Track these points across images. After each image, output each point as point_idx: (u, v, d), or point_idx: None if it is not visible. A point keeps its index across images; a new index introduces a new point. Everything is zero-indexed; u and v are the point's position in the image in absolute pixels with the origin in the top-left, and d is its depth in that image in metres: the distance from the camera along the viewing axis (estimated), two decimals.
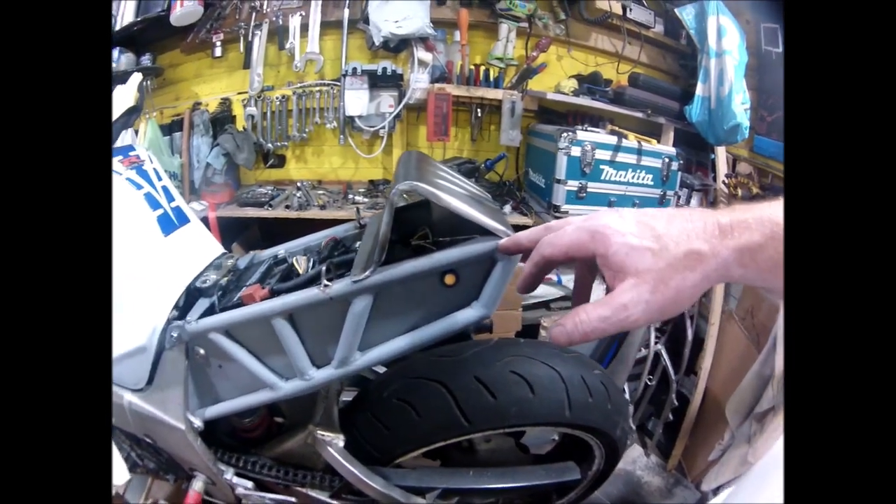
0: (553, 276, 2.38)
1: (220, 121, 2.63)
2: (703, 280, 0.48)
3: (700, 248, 0.48)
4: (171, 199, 1.33)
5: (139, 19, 2.34)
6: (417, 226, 0.99)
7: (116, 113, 1.31)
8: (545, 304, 2.44)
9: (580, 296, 0.66)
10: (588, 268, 0.65)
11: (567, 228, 0.57)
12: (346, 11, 2.43)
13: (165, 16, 2.33)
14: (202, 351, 1.10)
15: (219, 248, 1.39)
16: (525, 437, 1.36)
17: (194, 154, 2.58)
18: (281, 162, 2.78)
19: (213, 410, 1.15)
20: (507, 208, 2.38)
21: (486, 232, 0.84)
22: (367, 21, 2.40)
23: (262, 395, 1.09)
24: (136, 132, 2.40)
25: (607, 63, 2.57)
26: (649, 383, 2.22)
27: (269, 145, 2.64)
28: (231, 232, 2.50)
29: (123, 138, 1.53)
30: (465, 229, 0.88)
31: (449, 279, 0.88)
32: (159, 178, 1.33)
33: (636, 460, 2.18)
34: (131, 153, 1.31)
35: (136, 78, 1.40)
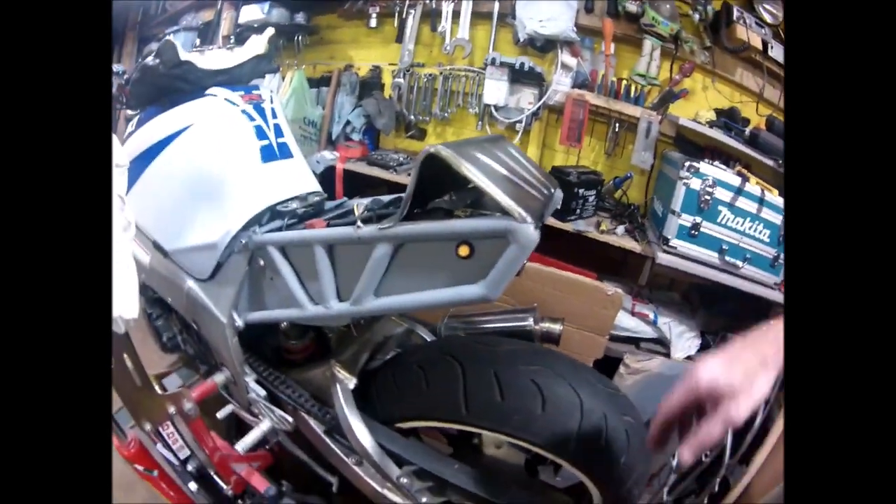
0: (650, 314, 2.23)
1: (369, 85, 2.81)
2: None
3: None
4: (279, 134, 1.43)
5: None
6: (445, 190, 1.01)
7: (245, 58, 1.45)
8: (635, 342, 2.25)
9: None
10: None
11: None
12: (497, 4, 2.45)
13: None
14: (262, 262, 1.21)
15: (315, 186, 1.46)
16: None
17: (337, 109, 2.78)
18: (421, 135, 2.88)
19: (255, 316, 1.26)
20: (621, 229, 2.25)
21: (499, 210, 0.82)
22: (514, 16, 2.40)
23: (291, 312, 1.17)
24: (283, 78, 2.64)
25: (749, 102, 2.32)
26: (704, 459, 2.05)
27: (412, 117, 2.75)
28: (360, 188, 2.65)
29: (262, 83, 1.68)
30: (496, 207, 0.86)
31: (463, 250, 0.87)
32: (274, 116, 1.44)
33: None
34: (254, 91, 1.43)
35: (270, 31, 1.53)
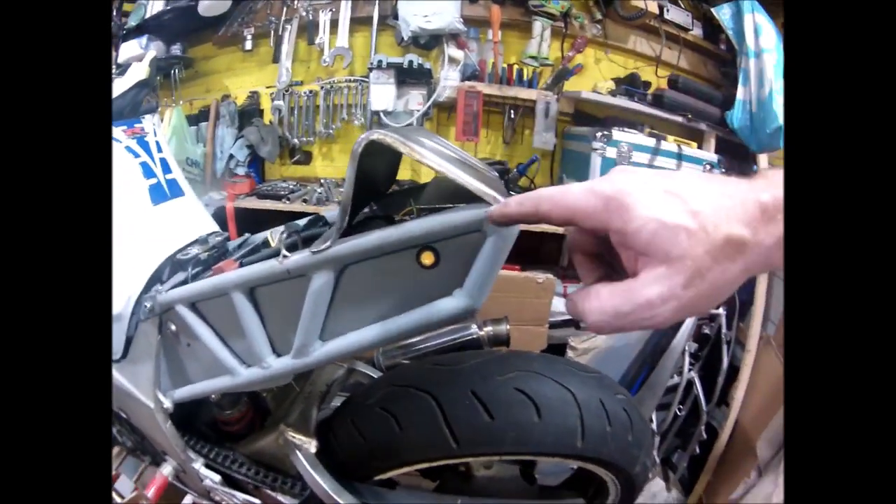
0: None
1: (248, 114, 2.56)
2: (742, 273, 0.39)
3: (742, 234, 0.38)
4: (167, 170, 1.27)
5: (168, 7, 2.31)
6: (404, 204, 0.83)
7: (126, 86, 1.30)
8: (575, 323, 2.19)
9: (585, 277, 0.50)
10: (594, 243, 0.49)
11: (573, 187, 0.44)
12: (377, 7, 2.33)
13: (194, 5, 2.29)
14: (173, 326, 0.99)
15: (212, 226, 1.31)
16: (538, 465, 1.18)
17: (218, 144, 2.53)
18: (307, 158, 2.67)
19: (182, 393, 1.05)
20: None
21: (472, 200, 0.64)
22: (396, 16, 2.29)
23: (223, 382, 0.96)
24: (161, 119, 2.38)
25: (645, 67, 2.37)
26: (679, 413, 2.02)
27: (295, 140, 2.54)
28: (252, 225, 2.41)
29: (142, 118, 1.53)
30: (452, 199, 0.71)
31: (426, 258, 0.68)
32: (159, 150, 1.28)
33: (656, 494, 1.95)
34: (136, 125, 1.28)
35: (151, 54, 1.41)
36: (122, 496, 1.22)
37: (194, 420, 1.26)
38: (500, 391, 0.93)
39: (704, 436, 1.89)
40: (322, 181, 2.49)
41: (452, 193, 0.73)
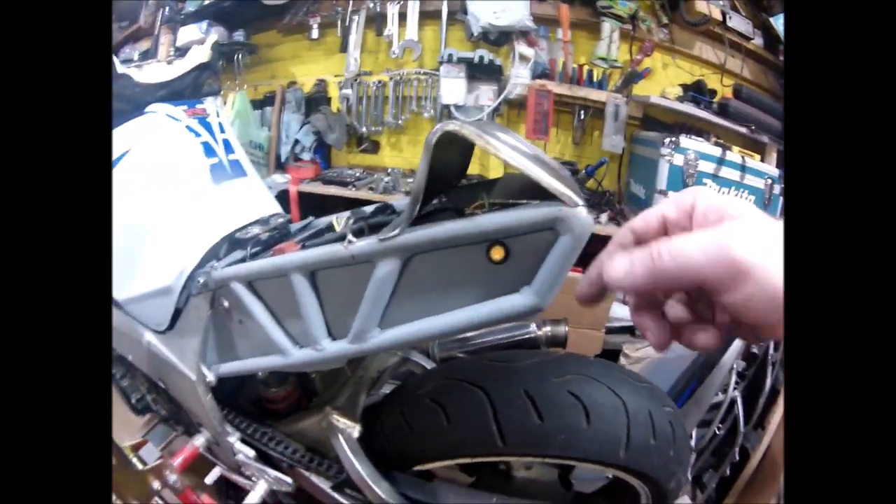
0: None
1: (315, 101, 2.61)
2: None
3: None
4: (230, 150, 1.27)
5: None
6: (475, 197, 0.83)
7: (187, 68, 1.31)
8: (630, 330, 2.14)
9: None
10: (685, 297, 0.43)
11: (691, 240, 0.36)
12: (445, 2, 2.33)
13: None
14: (226, 303, 0.99)
15: (275, 207, 1.30)
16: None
17: (283, 129, 2.58)
18: (375, 147, 2.69)
19: (227, 368, 1.05)
20: (604, 218, 2.14)
21: (544, 197, 0.62)
22: (465, 11, 2.27)
23: (272, 360, 0.95)
24: (224, 102, 2.44)
25: (710, 74, 2.29)
26: (718, 432, 1.95)
27: (364, 129, 2.56)
28: (315, 210, 2.43)
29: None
30: (523, 195, 0.69)
31: (496, 253, 0.66)
32: (222, 131, 1.28)
33: None
34: (197, 105, 1.28)
35: (212, 38, 1.43)
36: (144, 462, 1.21)
37: (237, 395, 1.27)
38: (554, 393, 0.91)
39: (737, 457, 1.82)
40: (389, 170, 2.50)
41: (522, 190, 0.71)
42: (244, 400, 1.26)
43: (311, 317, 0.85)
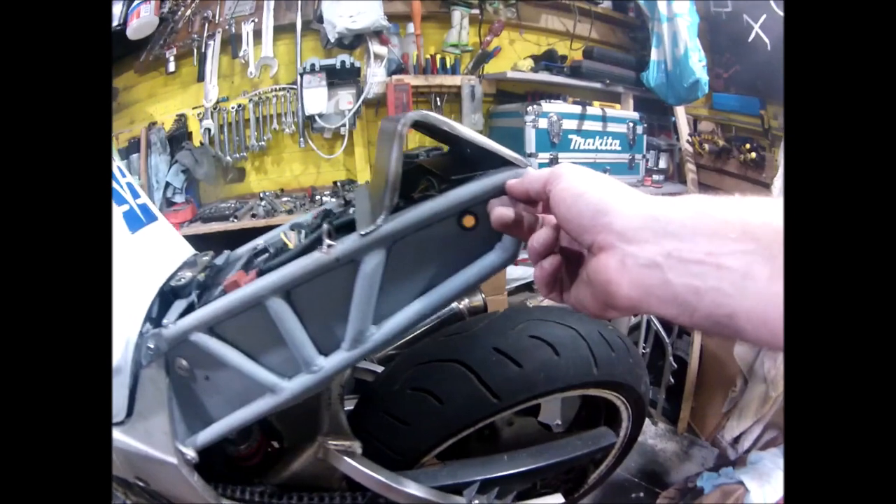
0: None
1: (177, 138, 2.43)
2: None
3: None
4: (136, 195, 1.14)
5: None
6: (416, 182, 0.86)
7: None
8: (529, 286, 2.29)
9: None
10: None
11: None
12: (299, 13, 2.31)
13: (122, 30, 2.14)
14: (184, 362, 0.88)
15: (190, 249, 1.20)
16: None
17: (153, 174, 2.38)
18: (241, 176, 2.59)
19: (207, 435, 0.93)
20: None
21: (500, 165, 0.70)
22: (320, 20, 2.26)
23: (262, 404, 0.87)
24: None
25: (559, 42, 2.50)
26: (644, 350, 2.15)
27: (228, 158, 2.45)
28: (202, 250, 2.30)
29: None
30: (470, 169, 0.74)
31: (468, 221, 0.72)
32: (123, 175, 1.14)
33: (645, 431, 2.08)
34: None
35: None
36: None
37: (210, 467, 1.09)
38: (519, 342, 1.00)
39: (675, 366, 2.02)
40: (262, 195, 2.43)
41: (454, 165, 0.79)
42: (218, 468, 1.13)
43: (299, 338, 0.82)
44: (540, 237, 0.49)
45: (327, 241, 0.76)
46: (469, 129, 0.70)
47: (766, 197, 0.35)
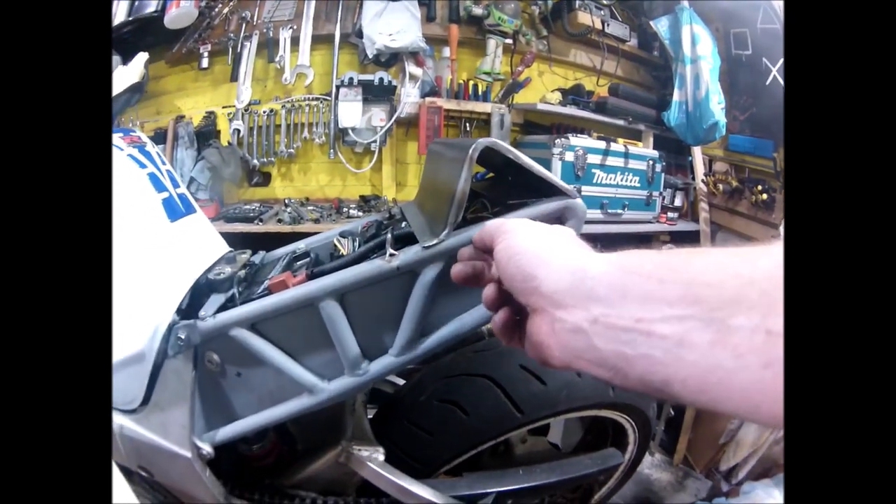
0: None
1: (205, 135, 2.42)
2: None
3: None
4: (175, 184, 1.14)
5: (131, 19, 2.10)
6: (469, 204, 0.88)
7: (119, 89, 1.18)
8: None
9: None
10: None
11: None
12: (339, 25, 2.33)
13: (159, 17, 2.12)
14: (216, 356, 0.88)
15: (225, 245, 1.19)
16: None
17: (178, 167, 2.38)
18: (266, 180, 2.57)
19: (228, 431, 0.92)
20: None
21: (551, 195, 0.77)
22: (360, 35, 2.30)
23: (297, 404, 0.88)
24: None
25: (585, 77, 2.56)
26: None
27: (255, 161, 2.44)
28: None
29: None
30: (518, 197, 0.80)
31: None
32: (163, 163, 1.15)
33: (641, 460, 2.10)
34: (132, 133, 1.15)
35: (142, 57, 1.26)
36: None
37: (217, 464, 1.10)
38: None
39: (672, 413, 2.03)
40: (287, 201, 2.42)
41: (507, 192, 0.84)
42: (227, 466, 1.11)
43: (348, 342, 0.83)
44: (487, 293, 0.48)
45: (390, 251, 0.78)
46: (530, 160, 0.75)
47: (741, 247, 0.33)
